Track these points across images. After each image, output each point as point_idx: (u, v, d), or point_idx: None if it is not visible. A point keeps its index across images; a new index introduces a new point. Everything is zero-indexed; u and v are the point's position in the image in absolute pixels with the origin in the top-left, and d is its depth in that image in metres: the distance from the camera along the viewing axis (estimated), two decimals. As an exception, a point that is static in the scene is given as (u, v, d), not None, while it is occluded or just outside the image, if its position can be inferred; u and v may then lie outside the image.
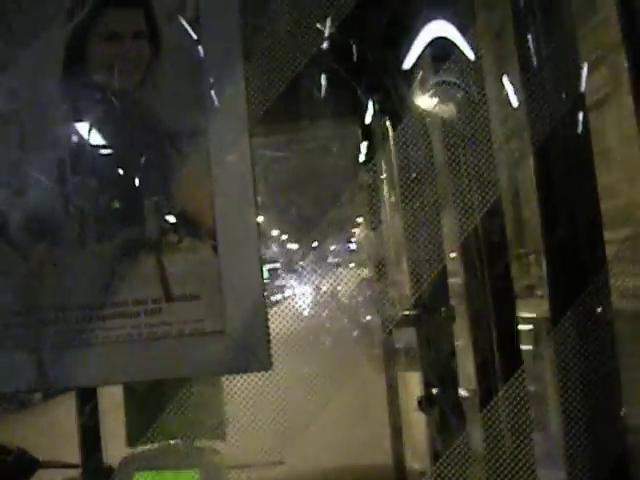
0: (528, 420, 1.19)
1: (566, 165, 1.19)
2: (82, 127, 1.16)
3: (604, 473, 1.15)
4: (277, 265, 1.49)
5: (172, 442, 1.71)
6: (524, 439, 1.20)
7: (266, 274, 1.15)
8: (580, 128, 1.19)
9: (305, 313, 1.35)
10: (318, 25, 1.53)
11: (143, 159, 1.15)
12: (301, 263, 1.40)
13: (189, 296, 1.13)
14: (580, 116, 1.20)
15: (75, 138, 1.16)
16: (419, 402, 2.02)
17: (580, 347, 1.11)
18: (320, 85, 1.92)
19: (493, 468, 1.34)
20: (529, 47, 1.30)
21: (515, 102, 1.43)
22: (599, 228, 1.14)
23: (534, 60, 1.29)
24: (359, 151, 2.06)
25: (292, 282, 1.42)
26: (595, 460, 1.15)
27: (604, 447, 1.16)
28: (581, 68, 1.24)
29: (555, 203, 1.17)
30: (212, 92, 1.17)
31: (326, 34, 1.59)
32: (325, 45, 1.76)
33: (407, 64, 1.75)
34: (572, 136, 1.19)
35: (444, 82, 1.62)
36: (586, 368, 1.12)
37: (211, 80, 1.17)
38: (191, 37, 1.18)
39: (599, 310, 1.10)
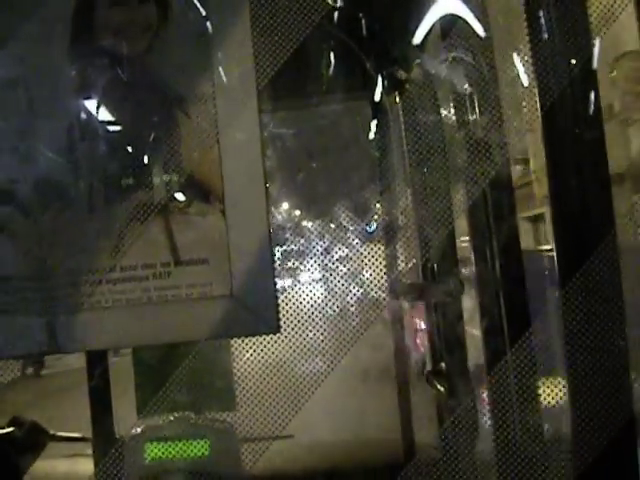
0: (535, 384, 1.20)
1: (575, 129, 1.18)
2: (90, 93, 1.17)
3: (611, 439, 1.15)
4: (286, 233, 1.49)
5: (183, 413, 1.73)
6: (531, 403, 1.20)
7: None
8: (590, 92, 1.18)
9: (313, 279, 1.36)
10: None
11: (151, 124, 1.15)
12: (310, 229, 1.41)
13: (197, 260, 1.13)
14: (590, 80, 1.19)
15: (83, 104, 1.17)
16: (427, 375, 2.03)
17: (588, 310, 1.11)
18: (330, 60, 1.92)
19: (501, 435, 1.34)
20: (539, 16, 1.29)
21: (524, 71, 1.42)
22: (608, 191, 1.14)
23: (544, 28, 1.28)
24: (369, 123, 2.06)
25: (301, 249, 1.42)
26: (602, 425, 1.15)
27: (611, 413, 1.16)
28: (591, 35, 1.23)
29: (563, 166, 1.17)
30: (220, 58, 1.17)
31: (334, 5, 1.59)
32: (334, 19, 1.75)
33: (417, 38, 1.74)
34: (581, 99, 1.18)
35: (454, 56, 1.61)
36: (593, 331, 1.12)
37: (219, 46, 1.17)
38: (198, 2, 1.18)
39: (607, 272, 1.10)
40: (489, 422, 1.47)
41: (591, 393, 1.15)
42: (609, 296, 1.12)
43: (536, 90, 1.27)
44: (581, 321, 1.13)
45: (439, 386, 1.93)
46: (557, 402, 1.27)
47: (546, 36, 1.27)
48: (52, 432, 2.13)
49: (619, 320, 1.13)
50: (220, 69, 1.16)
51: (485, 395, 1.53)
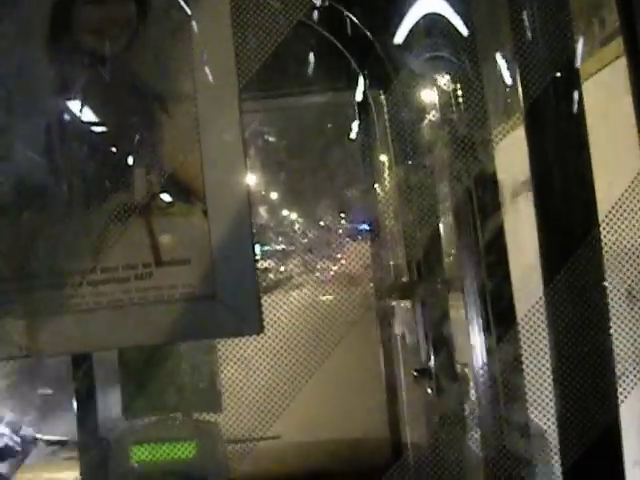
0: (521, 379, 1.19)
1: (558, 129, 1.18)
2: (69, 92, 1.15)
3: (595, 439, 1.15)
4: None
5: (169, 415, 1.71)
6: (518, 399, 1.20)
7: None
8: (574, 90, 1.18)
9: (298, 279, 1.35)
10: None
11: (131, 123, 1.14)
12: (293, 228, 1.40)
13: (179, 260, 1.12)
14: (573, 78, 1.19)
15: (62, 103, 1.15)
16: (416, 373, 2.02)
17: (572, 309, 1.11)
18: (316, 57, 1.91)
19: (488, 431, 1.34)
20: (523, 17, 1.29)
21: (507, 71, 1.42)
22: (591, 189, 1.13)
23: (527, 28, 1.28)
24: (353, 122, 2.06)
25: (284, 247, 1.41)
26: (586, 425, 1.15)
27: (595, 412, 1.15)
28: (574, 36, 1.23)
29: (546, 164, 1.17)
30: (200, 56, 1.15)
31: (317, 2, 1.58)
32: (318, 16, 1.74)
33: (401, 37, 1.74)
34: (565, 97, 1.18)
35: (437, 55, 1.61)
36: (578, 330, 1.11)
37: (199, 44, 1.15)
38: (179, 0, 1.16)
39: (591, 271, 1.10)
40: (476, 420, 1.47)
41: (577, 391, 1.15)
42: (592, 293, 1.11)
43: (519, 88, 1.27)
44: (565, 319, 1.12)
45: (426, 385, 1.93)
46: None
47: (529, 35, 1.27)
48: (37, 436, 2.11)
49: (603, 318, 1.12)
50: (201, 68, 1.15)
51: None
